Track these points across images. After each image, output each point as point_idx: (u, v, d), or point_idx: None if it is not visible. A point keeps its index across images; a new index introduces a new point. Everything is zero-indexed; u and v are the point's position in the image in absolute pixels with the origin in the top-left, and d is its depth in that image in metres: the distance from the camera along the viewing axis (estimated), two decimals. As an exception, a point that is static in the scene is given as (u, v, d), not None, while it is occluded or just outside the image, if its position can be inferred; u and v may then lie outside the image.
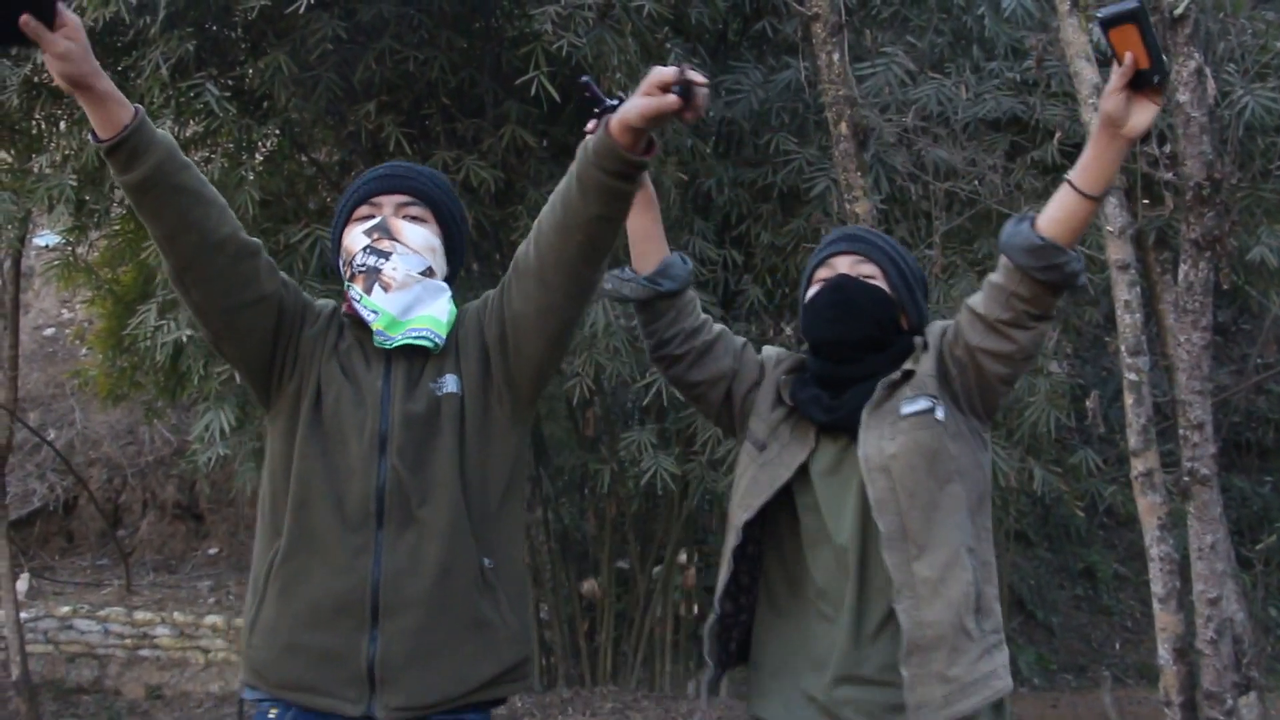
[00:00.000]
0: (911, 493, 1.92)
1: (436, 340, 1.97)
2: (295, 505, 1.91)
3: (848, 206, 4.20)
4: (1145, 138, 1.79)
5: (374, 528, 1.90)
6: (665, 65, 1.65)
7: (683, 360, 2.12)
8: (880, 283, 2.06)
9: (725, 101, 5.39)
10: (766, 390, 2.12)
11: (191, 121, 5.18)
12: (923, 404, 1.96)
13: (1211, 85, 3.83)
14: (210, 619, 7.14)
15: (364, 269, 1.97)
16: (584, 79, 2.02)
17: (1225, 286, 4.55)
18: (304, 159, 5.86)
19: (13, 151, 5.73)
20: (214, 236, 1.85)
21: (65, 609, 7.21)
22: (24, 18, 1.61)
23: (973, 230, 5.35)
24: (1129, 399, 3.88)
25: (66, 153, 5.19)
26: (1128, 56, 1.74)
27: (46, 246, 7.83)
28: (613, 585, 6.39)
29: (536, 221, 1.91)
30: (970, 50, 5.58)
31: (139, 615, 7.19)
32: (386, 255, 1.97)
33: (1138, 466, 3.84)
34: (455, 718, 1.93)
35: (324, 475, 1.91)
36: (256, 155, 5.61)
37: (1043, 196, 5.15)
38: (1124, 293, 3.80)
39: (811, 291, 2.11)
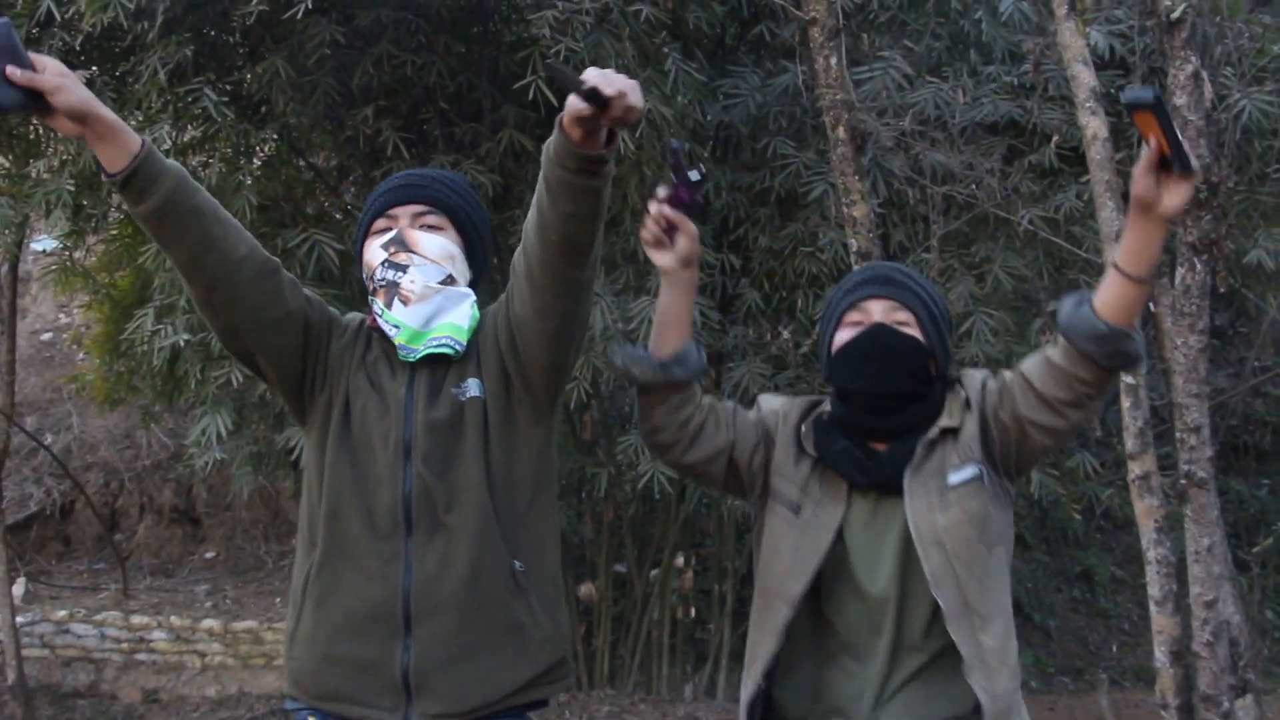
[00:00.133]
0: (967, 564, 1.90)
1: (456, 347, 1.98)
2: (328, 516, 1.94)
3: (845, 210, 4.21)
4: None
5: (403, 535, 1.91)
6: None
7: (676, 445, 2.05)
8: (914, 330, 1.99)
9: (723, 106, 5.40)
10: (785, 445, 2.05)
11: (189, 126, 5.18)
12: (970, 471, 1.93)
13: (1208, 88, 3.84)
14: (207, 623, 7.13)
15: (384, 283, 1.98)
16: (673, 144, 1.97)
17: (1222, 290, 4.56)
18: (302, 164, 5.86)
19: (10, 156, 5.72)
20: (234, 255, 1.87)
21: (62, 613, 7.19)
22: (9, 69, 1.65)
23: (970, 234, 5.36)
24: (1126, 402, 3.88)
25: (64, 158, 5.19)
26: (1153, 139, 1.69)
27: (44, 251, 7.82)
28: (610, 589, 6.39)
29: (523, 227, 1.93)
30: (968, 54, 5.59)
31: (135, 619, 7.17)
32: (404, 269, 1.98)
33: (1135, 469, 3.84)
34: None
35: (353, 486, 1.93)
36: (254, 160, 5.60)
37: (1040, 200, 5.18)
38: (1121, 296, 3.80)
39: (842, 336, 2.02)
